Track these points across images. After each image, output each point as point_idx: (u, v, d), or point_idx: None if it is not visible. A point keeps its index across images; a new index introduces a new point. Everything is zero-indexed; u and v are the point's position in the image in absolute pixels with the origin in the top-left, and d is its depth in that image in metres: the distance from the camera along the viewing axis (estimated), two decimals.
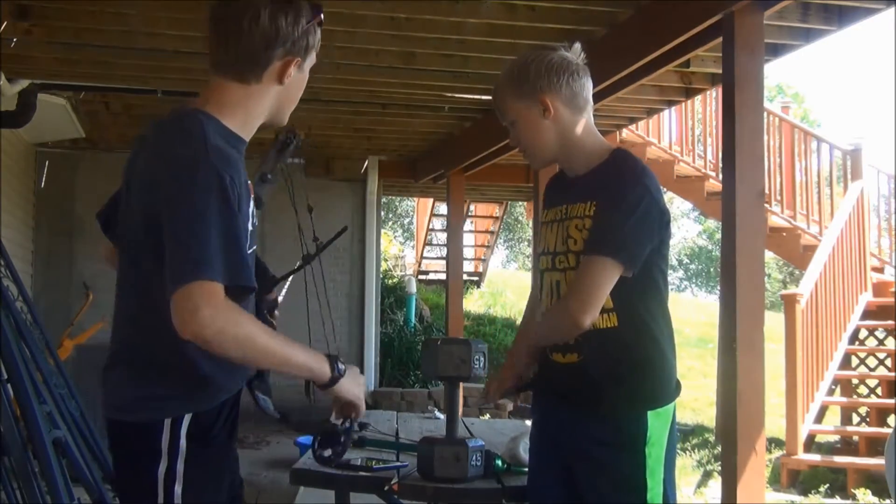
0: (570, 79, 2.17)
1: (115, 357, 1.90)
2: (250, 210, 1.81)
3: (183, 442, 1.76)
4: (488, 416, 8.57)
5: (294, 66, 1.83)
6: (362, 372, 2.04)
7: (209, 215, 1.65)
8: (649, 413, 2.05)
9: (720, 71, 4.03)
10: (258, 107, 1.84)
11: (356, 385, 1.85)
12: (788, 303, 6.89)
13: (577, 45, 2.23)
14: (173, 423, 1.76)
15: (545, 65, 2.17)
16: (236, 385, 1.90)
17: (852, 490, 6.28)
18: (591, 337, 2.08)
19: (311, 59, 1.89)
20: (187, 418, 1.77)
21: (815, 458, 6.77)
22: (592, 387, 2.10)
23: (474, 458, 2.39)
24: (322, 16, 1.87)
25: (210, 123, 1.75)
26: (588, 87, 2.22)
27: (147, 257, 1.81)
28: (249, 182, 1.84)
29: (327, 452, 1.99)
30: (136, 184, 1.92)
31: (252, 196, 1.84)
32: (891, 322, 7.36)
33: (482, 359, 2.42)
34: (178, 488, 1.75)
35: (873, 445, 6.71)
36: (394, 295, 11.52)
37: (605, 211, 2.08)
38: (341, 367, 1.81)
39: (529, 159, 2.30)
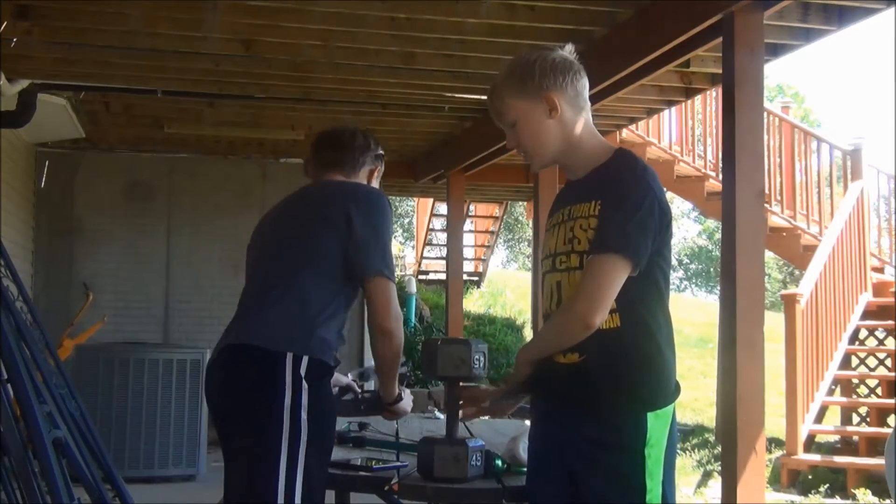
0: (574, 78, 2.17)
1: None
2: None
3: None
4: (488, 416, 8.57)
5: (371, 175, 2.83)
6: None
7: None
8: (649, 414, 2.04)
9: (720, 71, 4.03)
10: None
11: (408, 405, 2.68)
12: (788, 303, 6.89)
13: (570, 46, 2.22)
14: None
15: (549, 63, 2.16)
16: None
17: (852, 490, 6.28)
18: (593, 337, 2.06)
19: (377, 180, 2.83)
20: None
21: (815, 458, 6.77)
22: (593, 387, 2.09)
23: (474, 458, 2.39)
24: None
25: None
26: (587, 88, 2.22)
27: None
28: None
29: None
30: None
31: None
32: (891, 322, 7.36)
33: (482, 359, 2.42)
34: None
35: (873, 445, 6.71)
36: None
37: (609, 210, 2.06)
38: (405, 392, 2.65)
39: (530, 160, 2.28)
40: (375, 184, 2.81)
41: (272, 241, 2.57)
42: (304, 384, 2.29)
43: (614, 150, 2.20)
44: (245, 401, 2.35)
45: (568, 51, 2.21)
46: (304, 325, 2.38)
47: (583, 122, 2.20)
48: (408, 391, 2.67)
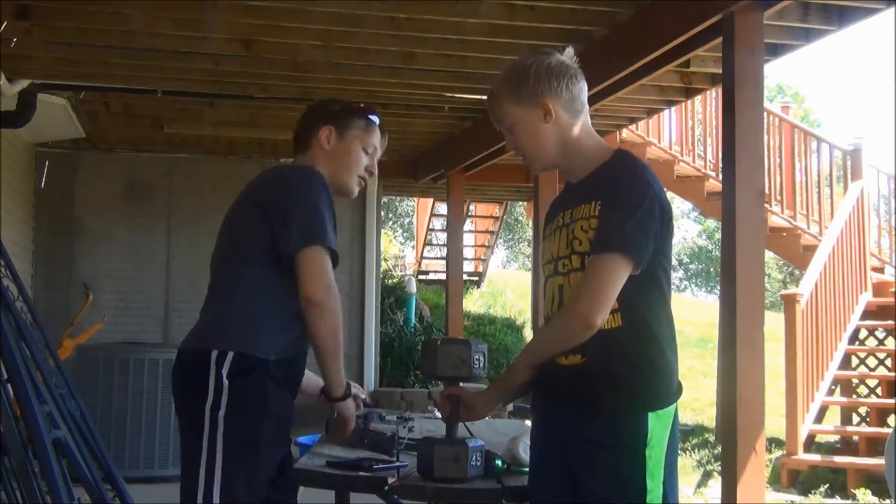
0: (570, 82, 2.17)
1: None
2: None
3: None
4: (488, 415, 8.57)
5: (330, 133, 2.49)
6: (363, 372, 2.40)
7: None
8: (650, 415, 2.03)
9: (720, 71, 4.02)
10: (319, 167, 2.46)
11: (351, 410, 2.45)
12: (788, 303, 6.89)
13: (570, 50, 2.23)
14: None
15: (545, 68, 2.16)
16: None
17: (852, 490, 6.28)
18: (594, 338, 2.06)
19: (358, 136, 2.54)
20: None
21: (815, 458, 6.77)
22: (593, 388, 2.08)
23: (474, 458, 2.38)
24: (367, 110, 2.59)
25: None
26: (584, 91, 2.22)
27: None
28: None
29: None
30: None
31: None
32: (891, 322, 7.36)
33: (482, 359, 2.42)
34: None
35: (873, 445, 6.71)
36: (394, 295, 11.51)
37: (609, 210, 2.06)
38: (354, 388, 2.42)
39: (528, 164, 2.29)
40: (357, 154, 2.55)
41: (221, 236, 2.48)
42: (225, 382, 2.18)
43: (613, 151, 2.20)
44: (178, 405, 2.31)
45: (567, 55, 2.21)
46: (229, 319, 2.28)
47: (580, 125, 2.20)
48: (358, 388, 2.50)
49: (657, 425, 2.03)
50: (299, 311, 2.27)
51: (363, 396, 2.51)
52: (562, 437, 2.15)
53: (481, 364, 2.41)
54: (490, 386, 2.39)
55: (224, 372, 2.19)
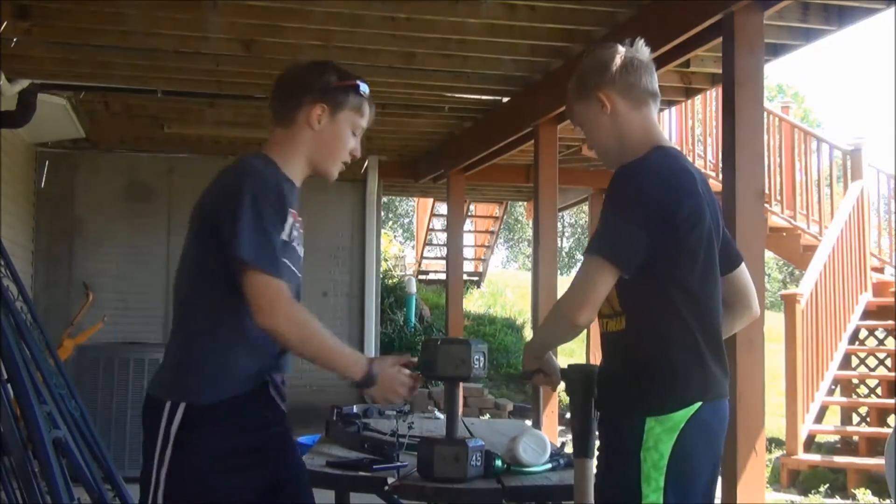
0: (624, 70, 2.12)
1: None
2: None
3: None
4: (488, 415, 8.57)
5: (322, 112, 2.17)
6: None
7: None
8: (648, 419, 1.98)
9: (720, 71, 4.03)
10: (294, 148, 2.18)
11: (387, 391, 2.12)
12: (788, 303, 6.90)
13: (641, 42, 2.16)
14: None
15: (597, 61, 2.14)
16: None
17: (852, 490, 6.28)
18: (605, 339, 2.08)
19: (349, 118, 2.21)
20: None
21: (815, 458, 6.77)
22: (599, 388, 2.10)
23: (474, 458, 2.39)
24: (361, 86, 2.22)
25: (258, 160, 2.15)
26: (646, 79, 2.14)
27: None
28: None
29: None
30: None
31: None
32: (891, 322, 7.36)
33: (482, 359, 2.42)
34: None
35: (873, 445, 6.71)
36: (394, 295, 11.52)
37: (602, 210, 2.06)
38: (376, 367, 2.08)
39: (600, 159, 2.25)
40: (346, 139, 2.22)
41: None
42: (172, 438, 1.98)
43: (649, 149, 2.11)
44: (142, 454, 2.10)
45: (637, 46, 2.15)
46: (183, 364, 2.06)
47: (641, 116, 2.14)
48: (387, 365, 2.12)
49: (658, 430, 1.97)
50: (258, 337, 2.00)
51: (405, 362, 2.18)
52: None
53: (481, 364, 2.41)
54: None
55: (173, 427, 1.99)
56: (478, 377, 2.46)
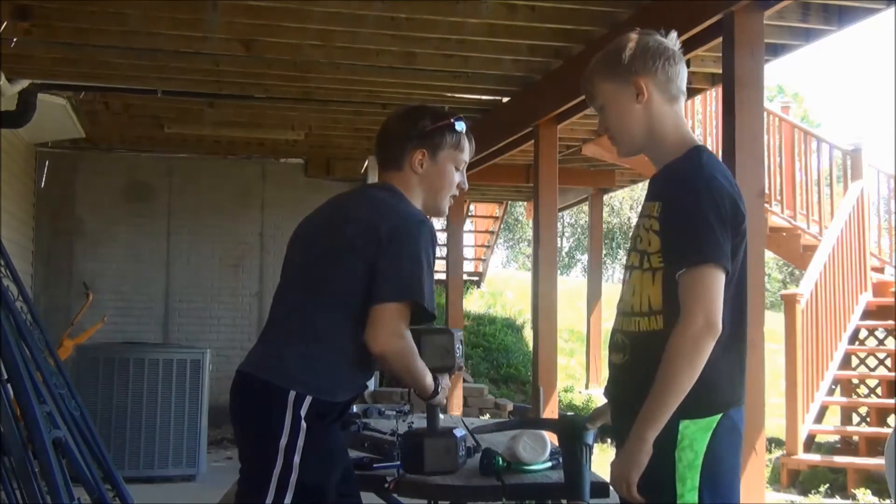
0: (667, 63, 2.08)
1: None
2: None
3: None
4: (488, 415, 8.57)
5: (423, 157, 2.36)
6: None
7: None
8: (682, 421, 1.94)
9: (720, 71, 4.03)
10: (408, 191, 2.37)
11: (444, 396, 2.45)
12: (788, 303, 6.89)
13: (674, 34, 2.14)
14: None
15: (641, 47, 2.09)
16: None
17: (852, 490, 6.28)
18: (637, 338, 2.02)
19: (450, 156, 2.40)
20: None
21: (815, 458, 6.77)
22: (633, 387, 2.02)
23: (461, 448, 2.42)
24: (456, 124, 2.40)
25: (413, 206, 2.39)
26: (682, 76, 2.12)
27: None
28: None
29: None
30: None
31: None
32: (891, 322, 7.36)
33: (461, 347, 2.46)
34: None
35: (873, 445, 6.71)
36: None
37: (674, 216, 1.99)
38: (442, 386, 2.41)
39: (617, 146, 2.20)
40: (450, 176, 2.43)
41: (300, 260, 2.38)
42: (303, 424, 2.17)
43: (688, 148, 2.09)
44: (247, 430, 2.30)
45: (671, 38, 2.12)
46: (313, 364, 2.23)
47: (672, 113, 2.11)
48: (445, 382, 2.45)
49: (692, 428, 1.95)
50: (369, 359, 2.27)
51: (445, 384, 2.47)
52: (613, 435, 2.15)
53: (460, 353, 2.43)
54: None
55: (302, 413, 2.18)
56: (458, 367, 2.47)
